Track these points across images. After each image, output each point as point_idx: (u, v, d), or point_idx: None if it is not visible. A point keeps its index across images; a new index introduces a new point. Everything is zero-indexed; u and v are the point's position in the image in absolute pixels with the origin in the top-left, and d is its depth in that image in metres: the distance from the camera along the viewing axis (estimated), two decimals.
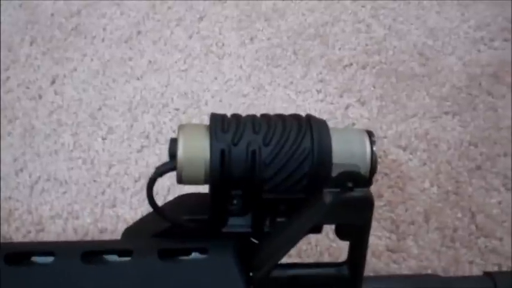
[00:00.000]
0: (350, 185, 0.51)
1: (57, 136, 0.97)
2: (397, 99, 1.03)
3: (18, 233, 0.87)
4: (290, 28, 1.12)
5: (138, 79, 1.05)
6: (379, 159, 0.95)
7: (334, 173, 0.52)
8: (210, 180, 0.52)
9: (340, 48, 1.09)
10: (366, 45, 1.10)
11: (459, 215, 0.91)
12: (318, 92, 1.04)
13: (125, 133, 0.98)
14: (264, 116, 0.55)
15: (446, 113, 1.02)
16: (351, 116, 1.01)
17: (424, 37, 1.11)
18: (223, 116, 0.54)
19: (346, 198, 0.51)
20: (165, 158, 0.94)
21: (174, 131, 0.98)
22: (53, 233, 0.88)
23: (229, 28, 1.12)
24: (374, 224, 0.89)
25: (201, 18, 1.13)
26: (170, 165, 0.52)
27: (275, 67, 1.07)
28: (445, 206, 0.92)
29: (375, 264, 0.86)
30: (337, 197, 0.51)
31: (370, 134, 0.54)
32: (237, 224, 0.56)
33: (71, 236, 0.87)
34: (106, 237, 0.87)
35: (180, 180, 0.52)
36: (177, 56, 1.08)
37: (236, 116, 0.54)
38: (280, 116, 0.54)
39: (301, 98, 1.03)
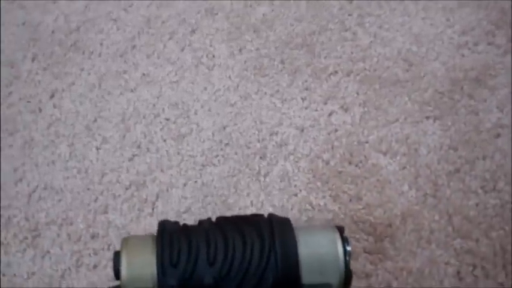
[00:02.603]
0: None
1: (54, 147, 1.03)
2: (379, 105, 1.07)
3: (15, 239, 0.94)
4: (278, 38, 1.16)
5: (131, 91, 1.10)
6: (359, 164, 1.00)
7: None
8: None
9: (325, 57, 1.13)
10: (351, 53, 1.14)
11: (436, 217, 0.94)
12: (303, 99, 1.08)
13: (118, 143, 1.03)
14: (219, 228, 0.48)
15: (428, 118, 1.05)
16: (334, 122, 1.05)
17: (408, 44, 1.14)
18: (172, 235, 0.47)
19: None
20: (154, 167, 1.00)
21: (164, 140, 1.04)
22: (48, 238, 0.94)
23: (219, 40, 1.16)
24: (352, 226, 0.93)
25: (193, 31, 1.18)
26: None
27: (262, 76, 1.11)
28: (422, 209, 0.95)
29: (352, 265, 0.89)
30: None
31: (341, 232, 0.49)
32: None
33: (65, 241, 0.93)
34: (98, 242, 0.93)
35: None
36: (168, 69, 1.13)
37: (187, 235, 0.47)
38: (238, 230, 0.47)
39: (287, 106, 1.07)
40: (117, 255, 0.47)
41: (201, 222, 0.49)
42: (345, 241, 0.48)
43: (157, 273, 0.45)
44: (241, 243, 0.47)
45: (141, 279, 0.46)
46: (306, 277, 0.47)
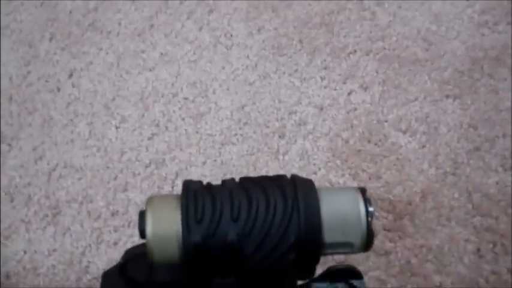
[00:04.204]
0: (341, 286, 0.49)
1: (73, 126, 1.04)
2: (398, 84, 1.06)
3: (36, 216, 0.94)
4: (297, 18, 1.16)
5: (150, 70, 1.10)
6: (379, 143, 1.00)
7: (325, 251, 0.47)
8: (185, 270, 0.47)
9: (345, 36, 1.13)
10: (370, 32, 1.13)
11: (456, 195, 0.94)
12: (322, 79, 1.08)
13: (137, 122, 1.04)
14: (243, 187, 0.48)
15: (447, 97, 1.04)
16: (353, 101, 1.05)
17: (428, 23, 1.13)
18: (196, 193, 0.47)
19: None
20: (173, 145, 1.00)
21: (183, 119, 1.04)
22: (68, 216, 0.94)
23: (237, 19, 1.16)
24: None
25: (211, 11, 1.17)
26: (141, 248, 0.47)
27: (281, 56, 1.11)
28: (442, 187, 0.95)
29: None
30: None
31: (363, 193, 0.48)
32: (223, 283, 0.49)
33: (85, 219, 0.94)
34: (117, 219, 0.93)
35: (153, 262, 0.47)
36: (187, 48, 1.13)
37: (212, 194, 0.47)
38: (262, 188, 0.47)
39: (305, 85, 1.07)
40: (142, 215, 0.47)
41: (224, 181, 0.49)
42: (367, 202, 0.47)
43: (182, 230, 0.45)
44: (265, 201, 0.46)
45: (165, 236, 0.46)
46: (328, 236, 0.46)
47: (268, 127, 1.02)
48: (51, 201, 0.96)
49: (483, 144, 0.99)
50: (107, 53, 1.13)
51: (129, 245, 0.89)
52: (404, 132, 1.01)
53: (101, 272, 0.85)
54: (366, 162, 0.98)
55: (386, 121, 1.02)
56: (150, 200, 0.47)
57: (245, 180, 0.49)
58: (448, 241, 0.90)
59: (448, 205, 0.93)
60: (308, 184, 0.48)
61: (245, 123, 1.03)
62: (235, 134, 1.02)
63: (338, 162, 0.98)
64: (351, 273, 0.50)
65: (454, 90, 1.05)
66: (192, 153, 1.00)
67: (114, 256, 0.90)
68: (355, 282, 0.50)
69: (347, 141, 1.00)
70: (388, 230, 0.91)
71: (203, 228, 0.45)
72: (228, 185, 0.48)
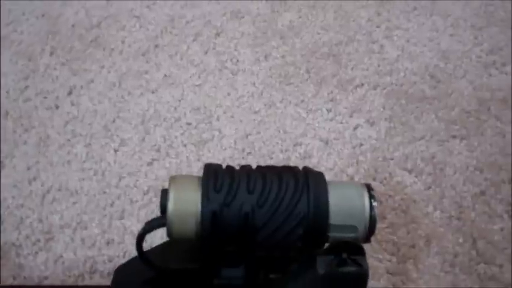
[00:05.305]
0: (345, 256, 0.51)
1: (70, 146, 1.00)
2: (405, 121, 1.04)
3: (28, 240, 0.91)
4: (305, 46, 1.14)
5: (152, 92, 1.07)
6: (384, 181, 0.98)
7: (330, 233, 0.51)
8: (201, 240, 0.50)
9: (352, 68, 1.11)
10: (378, 65, 1.11)
11: (460, 240, 0.92)
12: (328, 111, 1.06)
13: (137, 146, 1.01)
14: (259, 169, 0.53)
15: (454, 137, 1.03)
16: (359, 136, 1.03)
17: (436, 59, 1.12)
18: (217, 171, 0.52)
19: (340, 272, 0.51)
20: (173, 172, 0.97)
21: (185, 145, 1.01)
22: (61, 242, 0.91)
23: (244, 44, 1.14)
24: (375, 246, 0.91)
25: (217, 34, 1.15)
26: (160, 220, 0.51)
27: (287, 85, 1.09)
28: (447, 231, 0.93)
29: (373, 285, 0.87)
30: (331, 271, 0.51)
31: (369, 188, 0.53)
32: (230, 275, 0.54)
33: (78, 246, 0.90)
34: (113, 248, 0.90)
35: (171, 236, 0.51)
36: (192, 71, 1.10)
37: (230, 171, 0.52)
38: (276, 171, 0.52)
39: (311, 116, 1.05)
40: (164, 192, 0.52)
41: (242, 166, 0.55)
42: (371, 197, 0.52)
43: (202, 198, 0.50)
44: (278, 180, 0.51)
45: (185, 211, 0.50)
46: (334, 218, 0.51)
47: (272, 158, 1.00)
48: (44, 225, 0.92)
49: (488, 189, 0.97)
50: (109, 72, 1.09)
51: None
52: (410, 172, 0.99)
53: None
54: None
55: (392, 159, 1.00)
56: (173, 179, 0.53)
57: (261, 166, 0.55)
58: None
59: (453, 251, 0.91)
60: (319, 174, 0.54)
61: (249, 153, 1.01)
62: (239, 164, 0.99)
63: None
64: (354, 249, 0.52)
65: (461, 131, 1.03)
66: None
67: None
68: (358, 258, 0.52)
69: (352, 178, 0.98)
70: (392, 274, 0.89)
71: (221, 198, 0.50)
72: (246, 167, 0.54)
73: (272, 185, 0.51)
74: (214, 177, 0.51)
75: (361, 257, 0.52)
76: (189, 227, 0.50)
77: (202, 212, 0.49)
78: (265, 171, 0.53)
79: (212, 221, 0.49)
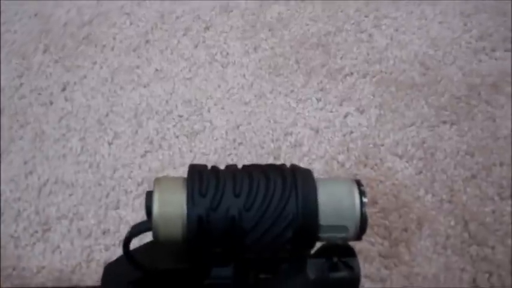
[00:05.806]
0: (335, 259, 0.50)
1: (65, 141, 1.02)
2: (395, 108, 1.05)
3: (26, 232, 0.92)
4: (293, 38, 1.15)
5: (144, 87, 1.09)
6: (375, 167, 0.99)
7: (320, 234, 0.50)
8: (187, 243, 0.49)
9: (341, 58, 1.12)
10: (367, 54, 1.12)
11: (452, 223, 0.93)
12: (318, 100, 1.07)
13: (130, 138, 1.02)
14: (246, 169, 0.51)
15: (444, 122, 1.04)
16: (349, 124, 1.04)
17: (425, 47, 1.13)
18: (202, 173, 0.50)
19: (330, 278, 0.50)
20: (166, 164, 0.98)
21: (177, 137, 1.02)
22: (58, 233, 0.92)
23: (234, 38, 1.15)
24: (367, 230, 0.92)
25: (207, 28, 1.16)
26: (147, 224, 0.50)
27: (277, 76, 1.10)
28: (438, 214, 0.94)
29: (366, 269, 0.88)
30: (322, 276, 0.50)
31: (359, 185, 0.51)
32: (220, 275, 0.52)
33: (75, 236, 0.92)
34: (109, 238, 0.91)
35: (158, 239, 0.50)
36: (182, 65, 1.11)
37: (216, 172, 0.50)
38: (263, 171, 0.51)
39: (301, 106, 1.06)
40: (149, 194, 0.50)
41: (228, 165, 0.53)
42: (362, 193, 0.50)
43: (187, 202, 0.48)
44: (265, 180, 0.49)
45: (171, 214, 0.48)
46: (324, 219, 0.49)
47: (263, 148, 1.01)
48: (41, 217, 0.93)
49: (480, 172, 0.98)
50: (101, 68, 1.11)
51: None
52: (400, 157, 1.00)
53: None
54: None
55: (382, 145, 1.01)
56: (157, 181, 0.50)
57: (247, 165, 0.52)
58: (444, 270, 0.88)
59: (445, 233, 0.92)
60: (306, 171, 0.51)
61: (240, 143, 1.02)
62: (230, 154, 1.00)
63: None
64: (345, 251, 0.52)
65: (451, 116, 1.04)
66: (186, 172, 0.98)
67: None
68: (349, 261, 0.52)
69: (343, 165, 0.99)
70: (384, 257, 0.90)
71: (206, 202, 0.48)
72: (231, 167, 0.52)
73: (259, 186, 0.49)
74: (199, 180, 0.49)
75: (352, 259, 0.52)
76: (175, 230, 0.49)
77: (188, 216, 0.48)
78: (251, 170, 0.51)
79: (198, 225, 0.48)
